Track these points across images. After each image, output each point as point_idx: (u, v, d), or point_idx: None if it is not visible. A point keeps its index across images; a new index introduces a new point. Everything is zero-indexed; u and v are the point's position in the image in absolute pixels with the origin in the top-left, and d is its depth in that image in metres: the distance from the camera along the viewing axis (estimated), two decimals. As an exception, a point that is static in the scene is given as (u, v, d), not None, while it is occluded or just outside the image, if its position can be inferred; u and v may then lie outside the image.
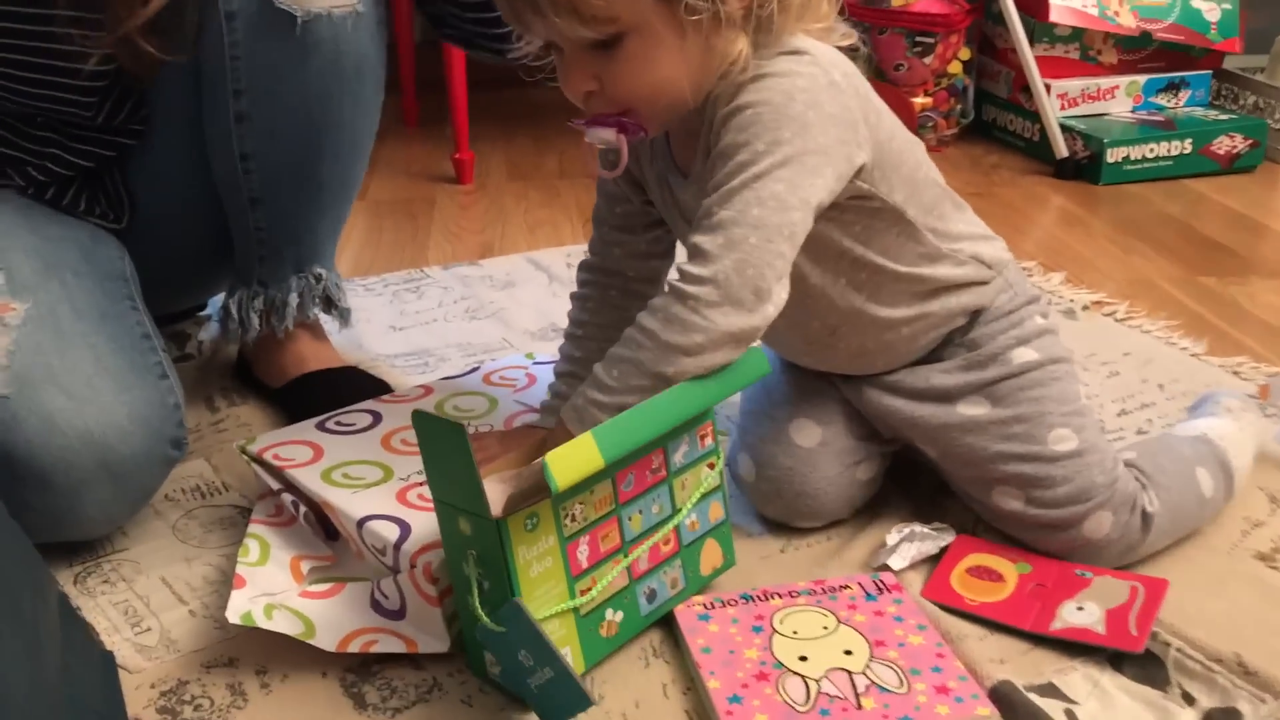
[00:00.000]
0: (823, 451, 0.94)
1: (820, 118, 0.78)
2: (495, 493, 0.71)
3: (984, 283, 0.92)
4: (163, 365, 0.97)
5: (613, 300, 0.94)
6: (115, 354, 0.93)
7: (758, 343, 0.82)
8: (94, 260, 1.01)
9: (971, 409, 0.91)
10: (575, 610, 0.78)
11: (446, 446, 0.71)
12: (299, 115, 1.03)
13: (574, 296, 0.96)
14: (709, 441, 0.86)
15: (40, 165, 1.04)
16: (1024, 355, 0.91)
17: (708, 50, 0.78)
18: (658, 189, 0.90)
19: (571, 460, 0.71)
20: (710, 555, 0.88)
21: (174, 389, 0.96)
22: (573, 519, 0.77)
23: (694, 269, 0.77)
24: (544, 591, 0.76)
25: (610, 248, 0.94)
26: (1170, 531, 0.92)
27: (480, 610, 0.74)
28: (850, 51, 0.84)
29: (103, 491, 0.89)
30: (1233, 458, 0.96)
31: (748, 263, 0.77)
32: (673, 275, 0.79)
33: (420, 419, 0.71)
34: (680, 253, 0.85)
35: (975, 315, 0.92)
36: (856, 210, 0.85)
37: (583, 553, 0.78)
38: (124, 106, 1.04)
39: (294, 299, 1.14)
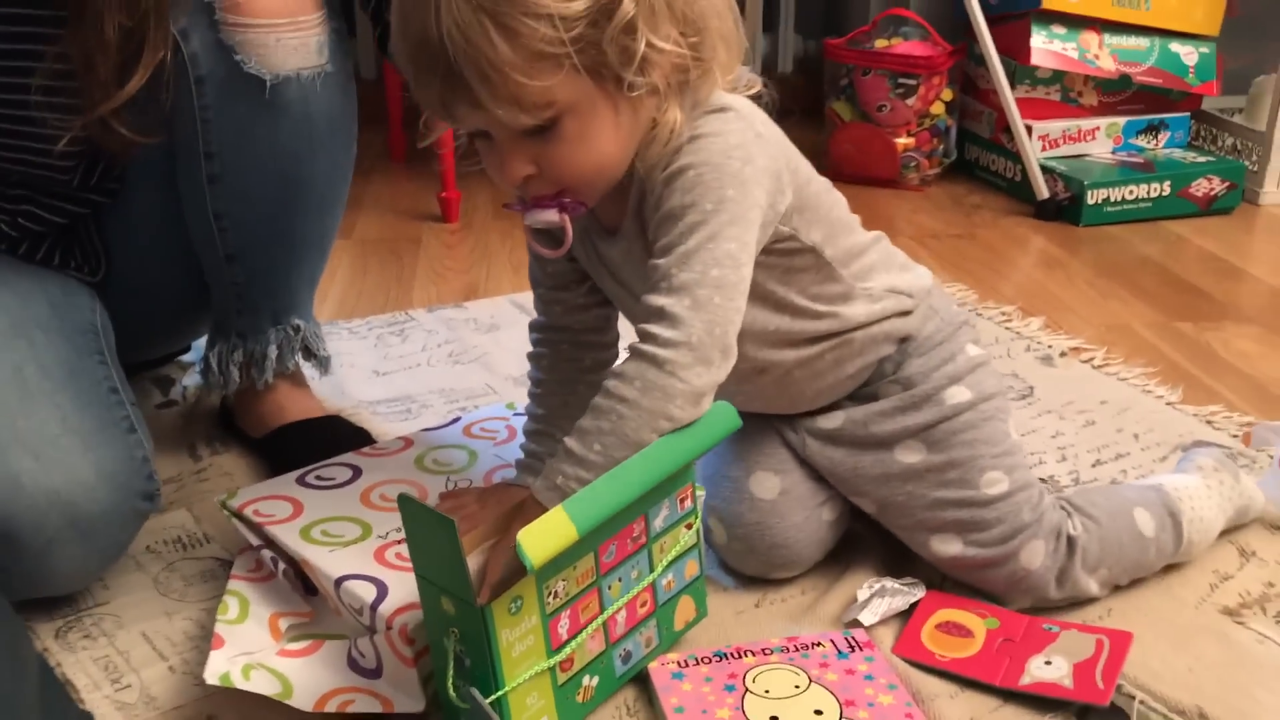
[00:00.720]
0: (785, 500, 0.96)
1: (755, 172, 0.81)
2: (479, 578, 0.72)
3: (906, 312, 0.94)
4: (130, 419, 0.98)
5: (565, 354, 0.96)
6: (81, 411, 0.94)
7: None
8: (63, 315, 1.02)
9: (909, 455, 0.93)
10: (553, 679, 0.79)
11: (434, 535, 0.72)
12: (271, 175, 1.05)
13: (529, 356, 0.98)
14: (688, 504, 0.88)
15: (12, 221, 1.05)
16: (957, 395, 0.93)
17: (639, 121, 0.80)
18: (580, 245, 0.91)
19: (545, 536, 0.72)
20: (684, 610, 0.89)
21: (142, 442, 0.97)
22: (555, 596, 0.78)
23: (664, 332, 0.79)
24: (525, 668, 0.77)
25: (550, 306, 0.96)
26: (1103, 561, 0.94)
27: (453, 686, 0.75)
28: (756, 98, 0.87)
29: (73, 549, 0.90)
30: (1185, 508, 0.98)
31: (715, 322, 0.79)
32: (637, 340, 0.80)
33: (407, 506, 0.72)
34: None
35: (905, 342, 0.95)
36: (779, 253, 0.88)
37: (563, 626, 0.79)
38: (98, 168, 1.06)
39: (273, 351, 1.15)
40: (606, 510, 0.76)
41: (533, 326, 0.98)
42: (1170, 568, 1.00)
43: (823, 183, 0.91)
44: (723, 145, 0.81)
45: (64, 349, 0.99)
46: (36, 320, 0.99)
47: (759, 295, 0.88)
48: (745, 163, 0.81)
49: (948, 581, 0.97)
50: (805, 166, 0.89)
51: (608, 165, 0.81)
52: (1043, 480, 1.04)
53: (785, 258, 0.88)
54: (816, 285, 0.90)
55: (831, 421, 0.96)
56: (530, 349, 0.98)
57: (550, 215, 0.82)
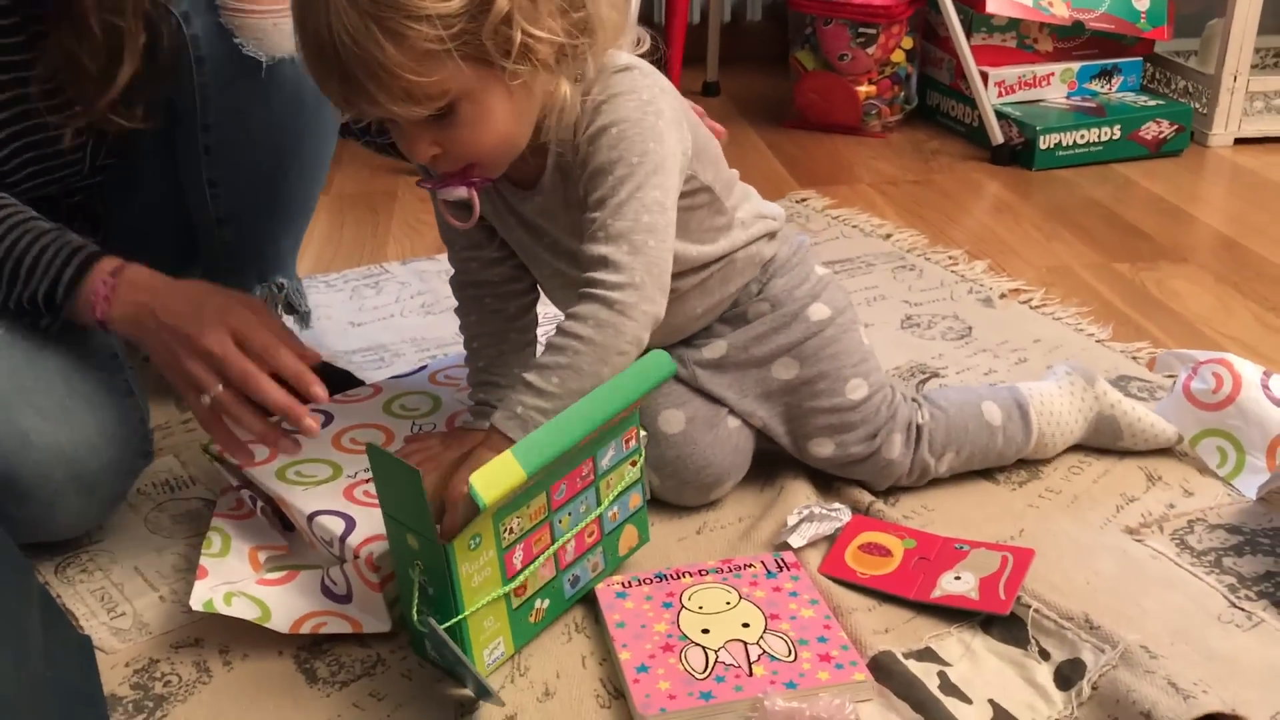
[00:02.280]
0: (692, 426, 1.04)
1: (666, 124, 0.90)
2: (437, 514, 0.80)
3: (773, 234, 1.05)
4: (129, 383, 1.05)
5: (490, 307, 1.03)
6: (85, 375, 1.01)
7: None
8: None
9: (784, 372, 1.05)
10: (508, 604, 0.87)
11: (401, 482, 0.79)
12: (263, 146, 1.12)
13: (457, 313, 1.05)
14: (633, 443, 0.96)
15: (39, 212, 1.12)
16: (819, 312, 1.05)
17: (533, 97, 0.87)
18: (488, 202, 0.97)
19: (496, 478, 0.79)
20: (628, 537, 0.98)
21: (139, 404, 1.05)
22: (510, 532, 0.86)
23: (610, 277, 0.87)
24: (483, 595, 0.85)
25: (467, 264, 1.03)
26: (949, 445, 1.08)
27: (417, 612, 0.83)
28: (648, 54, 0.94)
29: (76, 501, 0.98)
30: (1034, 402, 1.11)
31: (652, 263, 0.88)
32: (588, 287, 0.87)
33: (375, 456, 0.80)
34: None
35: (768, 264, 1.05)
36: (684, 195, 0.95)
37: (517, 557, 0.87)
38: (102, 149, 1.12)
39: None
40: (551, 454, 0.83)
41: (453, 284, 1.05)
42: (1081, 493, 1.09)
43: (705, 128, 1.00)
44: (637, 102, 0.89)
45: None
46: None
47: None
48: (658, 116, 0.89)
49: (873, 506, 1.06)
50: (693, 114, 0.98)
51: (507, 140, 0.88)
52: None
53: (688, 198, 0.97)
54: (709, 219, 1.00)
55: (716, 351, 1.05)
56: (457, 305, 1.05)
57: (460, 191, 0.89)
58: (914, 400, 1.08)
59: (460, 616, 0.83)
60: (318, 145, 1.17)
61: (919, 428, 1.06)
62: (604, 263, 0.87)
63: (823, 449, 1.06)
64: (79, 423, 0.98)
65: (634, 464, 0.97)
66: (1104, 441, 1.14)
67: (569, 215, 0.94)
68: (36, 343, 1.01)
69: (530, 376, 0.87)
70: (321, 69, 0.82)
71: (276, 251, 1.25)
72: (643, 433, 1.01)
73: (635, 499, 0.98)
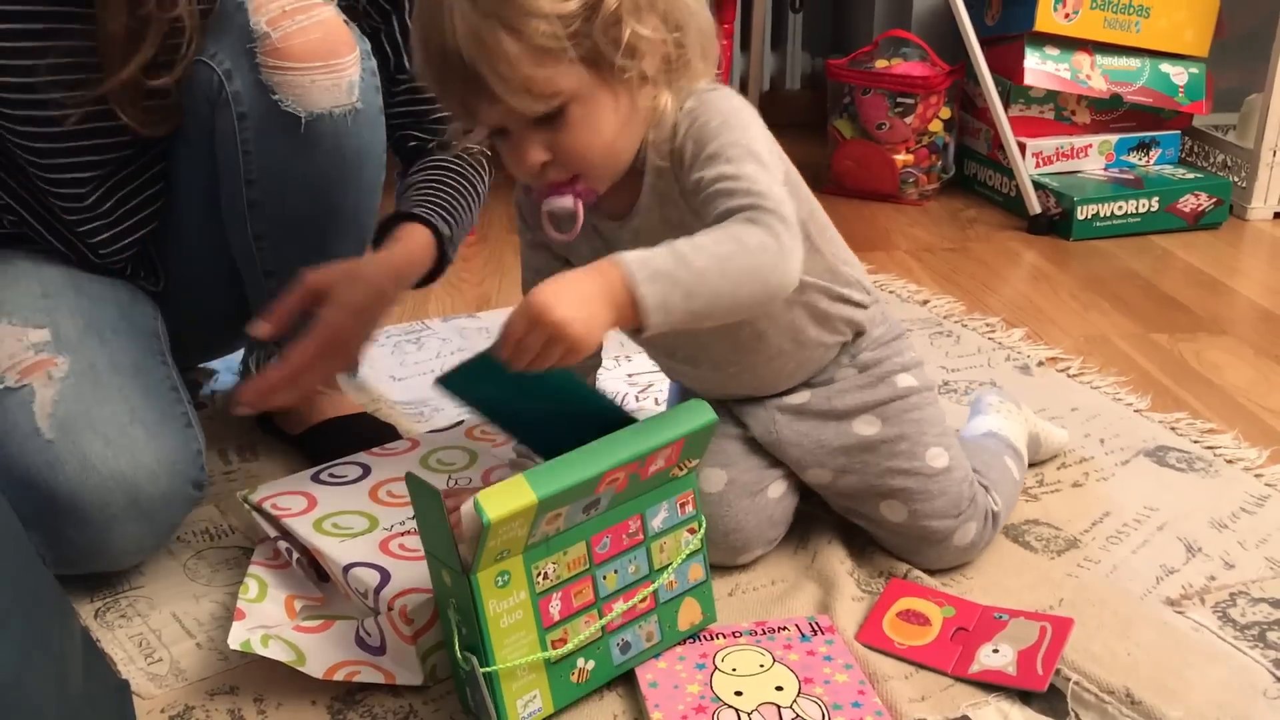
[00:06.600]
0: (731, 489, 1.04)
1: (760, 131, 0.92)
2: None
3: (864, 305, 1.06)
4: (188, 415, 1.09)
5: None
6: (147, 405, 1.05)
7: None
8: (130, 318, 1.13)
9: (866, 428, 1.04)
10: (545, 655, 0.86)
11: (428, 506, 0.81)
12: (305, 201, 1.14)
13: None
14: (690, 509, 0.95)
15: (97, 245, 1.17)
16: (906, 380, 1.06)
17: (636, 107, 0.90)
18: (585, 243, 0.98)
19: (502, 497, 0.79)
20: (689, 612, 0.96)
21: (197, 436, 1.08)
22: (545, 577, 0.85)
23: (775, 223, 0.85)
24: (514, 640, 0.84)
25: None
26: (1004, 514, 1.11)
27: (458, 651, 0.84)
28: None
29: (133, 526, 1.01)
30: (1016, 442, 1.19)
31: (784, 201, 0.87)
32: (747, 211, 0.86)
33: (412, 482, 0.81)
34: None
35: (859, 337, 1.06)
36: None
37: (555, 607, 0.86)
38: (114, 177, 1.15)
39: None
40: (565, 483, 0.81)
41: None
42: (1120, 563, 1.08)
43: (798, 174, 1.01)
44: (725, 104, 0.92)
45: (131, 349, 1.10)
46: (107, 322, 1.11)
47: None
48: (753, 120, 0.93)
49: (910, 572, 1.05)
50: (785, 155, 0.99)
51: (614, 150, 0.91)
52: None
53: None
54: (809, 260, 0.96)
55: (799, 398, 1.07)
56: None
57: (565, 201, 0.92)
58: (982, 484, 1.08)
59: (492, 667, 0.83)
60: (361, 200, 1.19)
61: (994, 515, 1.08)
62: (735, 180, 0.87)
63: (895, 513, 1.05)
64: (140, 450, 1.01)
65: (693, 531, 0.95)
66: (1030, 457, 1.23)
67: (669, 235, 0.90)
68: (102, 371, 1.04)
69: (683, 245, 0.83)
70: (444, 75, 0.87)
71: None
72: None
73: (696, 570, 0.96)
